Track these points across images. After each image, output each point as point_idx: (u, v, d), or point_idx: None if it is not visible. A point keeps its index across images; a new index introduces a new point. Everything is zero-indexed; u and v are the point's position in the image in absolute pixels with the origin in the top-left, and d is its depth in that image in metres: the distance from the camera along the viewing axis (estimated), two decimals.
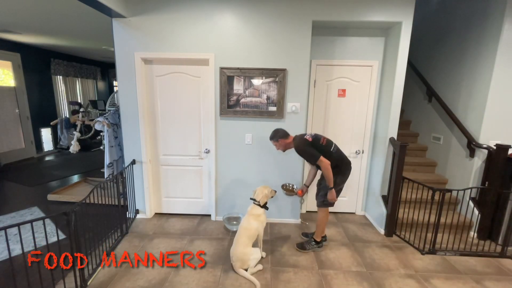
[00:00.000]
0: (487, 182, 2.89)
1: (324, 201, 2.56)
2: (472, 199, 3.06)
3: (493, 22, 2.87)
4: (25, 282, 2.11)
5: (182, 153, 3.27)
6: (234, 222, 3.10)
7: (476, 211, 2.99)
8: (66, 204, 3.68)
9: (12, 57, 5.54)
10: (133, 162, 3.17)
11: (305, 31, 2.84)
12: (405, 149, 2.80)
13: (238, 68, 2.93)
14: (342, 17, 2.81)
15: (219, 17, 2.84)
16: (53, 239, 2.60)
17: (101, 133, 5.12)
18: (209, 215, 3.41)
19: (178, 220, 3.30)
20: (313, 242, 2.71)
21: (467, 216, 3.08)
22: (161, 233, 3.00)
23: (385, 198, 3.14)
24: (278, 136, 2.52)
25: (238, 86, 2.99)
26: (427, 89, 3.85)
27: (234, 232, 2.51)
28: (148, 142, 3.20)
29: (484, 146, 2.90)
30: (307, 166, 2.89)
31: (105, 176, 3.74)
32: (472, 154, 3.07)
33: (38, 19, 3.89)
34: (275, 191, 2.65)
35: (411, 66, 4.10)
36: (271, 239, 2.92)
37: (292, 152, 2.64)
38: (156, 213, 3.45)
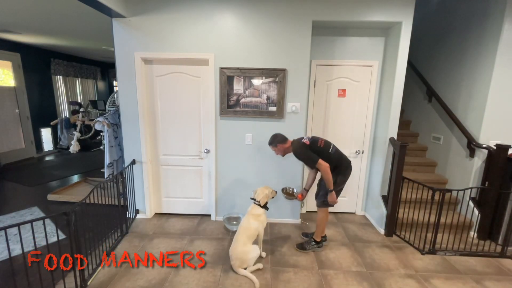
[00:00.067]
0: (487, 182, 2.89)
1: (324, 201, 2.56)
2: (472, 199, 3.06)
3: (493, 22, 2.87)
4: (25, 282, 2.11)
5: (182, 153, 3.27)
6: (234, 222, 3.10)
7: (476, 211, 2.99)
8: (66, 204, 3.68)
9: (12, 57, 5.54)
10: (133, 162, 3.17)
11: (305, 31, 2.84)
12: (405, 149, 2.80)
13: (238, 68, 2.93)
14: (342, 17, 2.81)
15: (219, 17, 2.85)
16: (53, 239, 2.60)
17: (101, 133, 5.12)
18: (209, 215, 3.41)
19: (178, 220, 3.30)
20: (313, 242, 2.71)
21: (467, 216, 3.08)
22: (161, 233, 3.00)
23: (385, 198, 3.14)
24: (277, 141, 2.53)
25: (238, 86, 2.99)
26: (427, 89, 3.85)
27: (234, 232, 2.51)
28: (148, 142, 3.20)
29: (484, 146, 2.90)
30: (307, 168, 2.89)
31: (105, 176, 3.74)
32: (472, 154, 3.07)
33: (38, 19, 3.89)
34: (276, 192, 2.66)
35: (411, 66, 4.10)
36: (271, 239, 2.92)
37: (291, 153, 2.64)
38: (156, 213, 3.45)
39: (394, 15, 2.80)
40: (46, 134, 6.47)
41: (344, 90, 3.30)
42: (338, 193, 2.54)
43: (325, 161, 2.39)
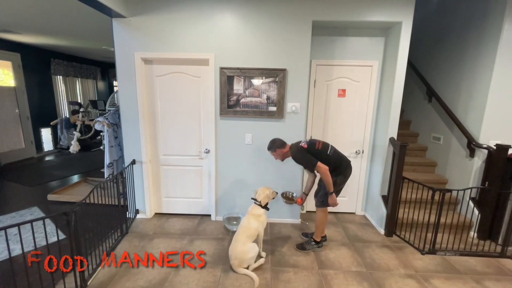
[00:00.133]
0: (487, 182, 2.89)
1: (323, 201, 2.56)
2: (472, 199, 3.06)
3: (493, 22, 2.87)
4: (25, 282, 2.11)
5: (182, 153, 3.27)
6: (234, 222, 3.10)
7: (476, 211, 2.99)
8: (66, 204, 3.68)
9: (12, 57, 5.54)
10: (133, 162, 3.17)
11: (305, 31, 2.84)
12: (405, 149, 2.80)
13: (238, 68, 2.93)
14: (342, 17, 2.81)
15: (219, 17, 2.85)
16: (53, 239, 2.61)
17: (101, 133, 5.13)
18: (209, 215, 3.41)
19: (178, 220, 3.30)
20: (313, 242, 2.71)
21: (467, 216, 3.08)
22: (161, 233, 3.00)
23: (385, 198, 3.14)
24: (276, 146, 2.55)
25: (238, 86, 2.99)
26: (427, 89, 3.85)
27: (234, 232, 2.51)
28: (148, 142, 3.20)
29: (484, 146, 2.90)
30: (306, 172, 2.89)
31: (105, 176, 3.74)
32: (472, 154, 3.07)
33: (38, 19, 3.89)
34: (277, 193, 2.66)
35: (411, 66, 4.10)
36: (271, 239, 2.92)
37: None
38: (156, 213, 3.45)
39: (394, 15, 2.80)
40: (46, 134, 6.47)
41: (344, 90, 3.30)
42: (337, 193, 2.54)
43: (324, 163, 2.39)
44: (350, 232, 3.14)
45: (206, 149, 3.23)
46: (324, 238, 2.80)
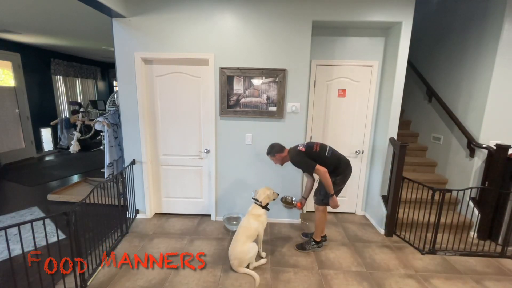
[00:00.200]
0: (487, 182, 2.89)
1: (323, 200, 2.56)
2: (472, 199, 3.06)
3: (493, 22, 2.87)
4: (25, 282, 2.11)
5: (182, 153, 3.27)
6: (234, 222, 3.10)
7: (476, 211, 2.99)
8: (66, 204, 3.67)
9: (12, 57, 5.54)
10: (133, 162, 3.17)
11: (305, 31, 2.84)
12: (405, 149, 2.80)
13: (238, 68, 2.93)
14: (342, 17, 2.81)
15: (219, 17, 2.85)
16: (53, 239, 2.60)
17: (101, 133, 5.12)
18: (209, 215, 3.41)
19: (178, 220, 3.30)
20: (313, 242, 2.71)
21: (467, 216, 3.08)
22: (161, 233, 3.00)
23: (385, 198, 3.14)
24: (275, 151, 2.56)
25: (238, 86, 2.99)
26: (427, 89, 3.85)
27: (234, 232, 2.50)
28: (148, 142, 3.20)
29: (484, 146, 2.90)
30: (305, 176, 2.89)
31: (105, 176, 3.74)
32: (472, 154, 3.07)
33: (38, 19, 3.89)
34: (278, 194, 2.66)
35: (411, 66, 4.10)
36: (271, 239, 2.92)
37: None
38: (156, 213, 3.45)
39: (394, 15, 2.80)
40: (46, 134, 6.46)
41: (344, 90, 3.30)
42: (337, 193, 2.54)
43: (323, 165, 2.40)
44: (350, 232, 3.14)
45: (206, 149, 3.23)
46: (324, 238, 2.80)
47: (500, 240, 2.82)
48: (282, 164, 2.66)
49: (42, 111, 6.29)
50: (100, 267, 2.37)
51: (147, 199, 3.30)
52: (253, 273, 2.28)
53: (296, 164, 2.51)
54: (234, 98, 3.01)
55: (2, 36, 5.06)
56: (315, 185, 2.76)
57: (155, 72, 3.07)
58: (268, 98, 3.00)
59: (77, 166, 5.49)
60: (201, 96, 3.11)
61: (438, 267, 2.51)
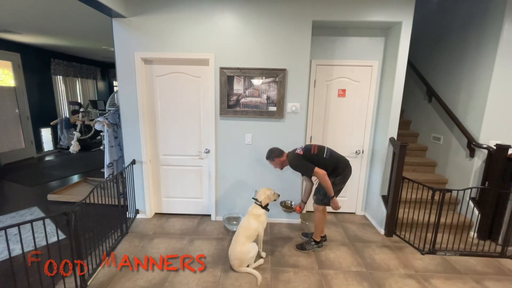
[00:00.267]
0: (487, 182, 2.89)
1: (323, 200, 2.56)
2: (472, 199, 3.06)
3: (493, 22, 2.87)
4: (25, 282, 2.11)
5: (182, 153, 3.27)
6: (234, 222, 3.10)
7: (476, 211, 2.99)
8: (66, 204, 3.67)
9: (12, 57, 5.54)
10: (133, 162, 3.17)
11: (305, 31, 2.84)
12: (405, 149, 2.80)
13: (238, 68, 2.93)
14: (342, 17, 2.81)
15: (219, 17, 2.84)
16: (53, 239, 2.60)
17: (101, 133, 5.13)
18: (209, 215, 3.41)
19: (178, 220, 3.30)
20: (313, 242, 2.71)
21: (467, 216, 3.08)
22: (161, 233, 3.00)
23: (385, 198, 3.14)
24: (274, 155, 2.57)
25: (238, 86, 2.99)
26: (427, 89, 3.85)
27: (234, 232, 2.50)
28: (148, 142, 3.20)
29: (484, 146, 2.90)
30: (304, 179, 2.89)
31: (105, 176, 3.74)
32: (472, 154, 3.07)
33: (38, 19, 3.89)
34: (278, 195, 2.66)
35: (411, 66, 4.10)
36: (271, 239, 2.92)
37: None
38: (156, 213, 3.45)
39: (394, 15, 2.80)
40: (46, 134, 6.46)
41: (344, 90, 3.30)
42: (337, 193, 2.54)
43: (322, 167, 2.40)
44: (350, 232, 3.14)
45: (206, 149, 3.23)
46: (324, 238, 2.80)
47: (500, 240, 2.82)
48: (281, 168, 2.68)
49: (42, 111, 6.29)
50: (100, 267, 2.37)
51: (147, 199, 3.30)
52: (254, 271, 2.29)
53: (295, 167, 2.53)
54: (234, 98, 3.01)
55: (2, 36, 5.06)
56: (314, 186, 2.76)
57: (155, 72, 3.07)
58: (268, 98, 3.00)
59: (77, 166, 5.49)
60: (201, 96, 3.11)
61: (438, 267, 2.51)
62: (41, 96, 6.27)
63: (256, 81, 2.97)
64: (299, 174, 3.16)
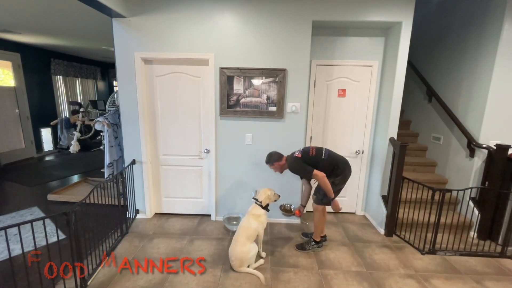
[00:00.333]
0: (487, 182, 2.89)
1: (322, 200, 2.56)
2: (472, 199, 3.06)
3: (493, 22, 2.87)
4: (25, 282, 2.11)
5: (182, 153, 3.27)
6: (234, 222, 3.10)
7: (476, 211, 2.99)
8: (66, 204, 3.67)
9: (12, 57, 5.54)
10: (133, 162, 3.17)
11: (305, 31, 2.84)
12: (405, 149, 2.80)
13: (238, 68, 2.93)
14: (342, 17, 2.81)
15: (219, 17, 2.85)
16: (53, 239, 2.60)
17: (101, 133, 5.12)
18: (209, 215, 3.41)
19: (178, 220, 3.30)
20: (313, 242, 2.71)
21: (467, 216, 3.08)
22: (161, 233, 3.00)
23: (385, 198, 3.14)
24: (273, 159, 2.58)
25: (238, 86, 2.99)
26: (427, 89, 3.85)
27: (234, 232, 2.50)
28: (148, 142, 3.20)
29: (484, 146, 2.90)
30: (303, 182, 2.90)
31: (105, 176, 3.74)
32: (472, 154, 3.07)
33: (38, 19, 3.89)
34: (279, 196, 2.66)
35: (411, 66, 4.10)
36: (271, 239, 2.92)
37: None
38: (156, 213, 3.45)
39: (394, 15, 2.80)
40: (46, 134, 6.46)
41: (344, 90, 3.30)
42: (337, 193, 2.54)
43: (320, 168, 2.41)
44: (350, 232, 3.14)
45: (206, 149, 3.23)
46: (324, 238, 2.80)
47: (500, 240, 2.82)
48: (281, 172, 2.69)
49: (42, 111, 6.29)
50: (100, 267, 2.37)
51: (147, 199, 3.30)
52: (256, 271, 2.29)
53: (294, 171, 2.54)
54: (234, 98, 3.01)
55: (2, 36, 5.06)
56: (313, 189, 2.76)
57: (155, 72, 3.07)
58: (268, 98, 3.00)
59: (77, 166, 5.49)
60: (201, 96, 3.11)
61: (438, 267, 2.51)
62: (41, 96, 6.27)
63: (256, 81, 2.97)
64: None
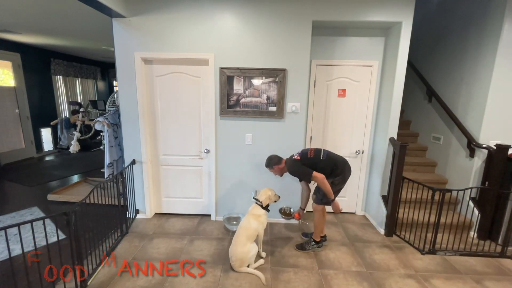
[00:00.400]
0: (487, 182, 2.89)
1: (322, 200, 2.56)
2: (472, 199, 3.06)
3: (493, 22, 2.87)
4: (25, 282, 2.11)
5: (182, 153, 3.27)
6: (234, 222, 3.10)
7: (476, 211, 2.99)
8: (66, 204, 3.67)
9: (12, 57, 5.54)
10: (133, 162, 3.17)
11: (305, 31, 2.84)
12: (405, 149, 2.80)
13: (238, 68, 2.93)
14: (342, 17, 2.81)
15: (219, 17, 2.84)
16: (53, 239, 2.60)
17: (101, 133, 5.12)
18: (209, 215, 3.41)
19: (178, 220, 3.30)
20: (313, 242, 2.71)
21: (467, 216, 3.08)
22: (161, 233, 3.00)
23: (385, 198, 3.14)
24: (273, 163, 2.60)
25: (238, 86, 2.99)
26: (427, 89, 3.85)
27: (234, 232, 2.50)
28: (148, 142, 3.20)
29: (484, 146, 2.90)
30: (302, 185, 2.89)
31: (105, 176, 3.74)
32: (472, 154, 3.07)
33: (38, 19, 3.89)
34: (279, 197, 2.66)
35: (411, 66, 4.10)
36: (271, 239, 2.92)
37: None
38: (156, 213, 3.45)
39: (394, 15, 2.80)
40: (46, 134, 6.46)
41: (344, 90, 3.30)
42: (337, 193, 2.54)
43: (319, 170, 2.42)
44: (350, 232, 3.14)
45: (206, 149, 3.23)
46: (324, 238, 2.80)
47: (500, 240, 2.82)
48: (281, 175, 2.71)
49: (42, 111, 6.29)
50: (100, 267, 2.37)
51: (147, 199, 3.30)
52: (256, 271, 2.29)
53: (294, 173, 2.55)
54: (234, 98, 3.01)
55: (2, 36, 5.06)
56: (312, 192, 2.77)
57: (155, 72, 3.07)
58: (268, 98, 3.00)
59: (77, 166, 5.49)
60: (201, 96, 3.10)
61: (438, 267, 2.51)
62: (41, 96, 6.27)
63: (256, 81, 2.97)
64: None
